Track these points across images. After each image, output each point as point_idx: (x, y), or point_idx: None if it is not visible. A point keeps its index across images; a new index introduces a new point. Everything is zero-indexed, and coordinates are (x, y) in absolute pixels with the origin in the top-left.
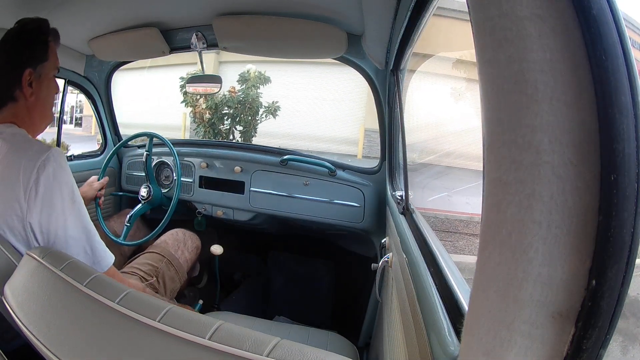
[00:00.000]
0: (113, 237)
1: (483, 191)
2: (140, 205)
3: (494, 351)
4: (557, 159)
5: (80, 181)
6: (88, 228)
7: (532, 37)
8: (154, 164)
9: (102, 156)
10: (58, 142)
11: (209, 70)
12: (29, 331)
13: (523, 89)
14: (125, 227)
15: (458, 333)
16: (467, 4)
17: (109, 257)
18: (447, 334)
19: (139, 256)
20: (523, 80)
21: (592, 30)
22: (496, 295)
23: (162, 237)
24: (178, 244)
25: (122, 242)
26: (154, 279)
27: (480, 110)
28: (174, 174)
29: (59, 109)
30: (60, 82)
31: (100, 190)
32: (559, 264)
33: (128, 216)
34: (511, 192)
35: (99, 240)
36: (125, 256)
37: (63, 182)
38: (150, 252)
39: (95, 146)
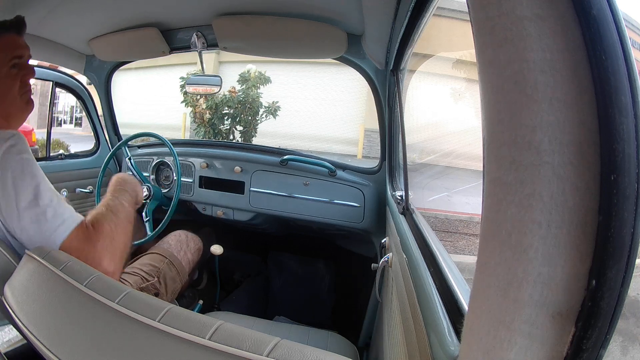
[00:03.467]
0: None
1: (483, 191)
2: (150, 201)
3: (494, 351)
4: (557, 159)
5: (70, 180)
6: (53, 201)
7: (532, 37)
8: (154, 163)
9: (95, 156)
10: (48, 144)
11: (209, 70)
12: (29, 331)
13: (523, 89)
14: (147, 222)
15: (458, 333)
16: (467, 4)
17: (71, 219)
18: (447, 334)
19: (140, 257)
20: (523, 80)
21: (592, 30)
22: (496, 295)
23: (165, 239)
24: (180, 245)
25: None
26: (156, 279)
27: (481, 110)
28: (174, 174)
29: (59, 110)
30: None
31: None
32: (559, 264)
33: (144, 212)
34: (511, 192)
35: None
36: (128, 257)
37: (29, 165)
38: (151, 253)
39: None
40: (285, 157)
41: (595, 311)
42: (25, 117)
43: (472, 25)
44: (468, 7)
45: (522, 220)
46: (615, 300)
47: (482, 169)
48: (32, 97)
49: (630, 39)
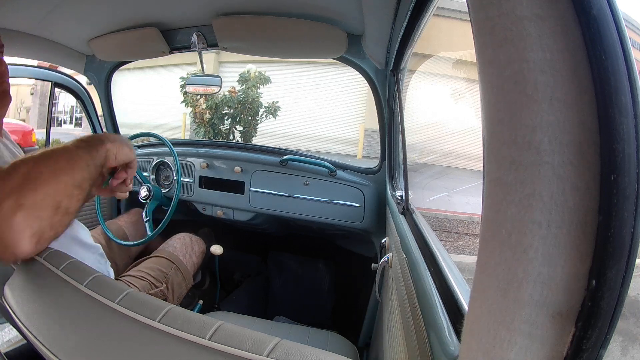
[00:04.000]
0: (114, 238)
1: (483, 191)
2: (149, 202)
3: (494, 351)
4: (557, 159)
5: None
6: None
7: (532, 37)
8: (154, 163)
9: None
10: (47, 144)
11: (209, 70)
12: (29, 331)
13: (523, 89)
14: (147, 222)
15: (458, 333)
16: (467, 4)
17: None
18: (447, 334)
19: (146, 259)
20: (523, 80)
21: (592, 30)
22: (496, 295)
23: (170, 242)
24: (186, 249)
25: (119, 241)
26: (164, 285)
27: (480, 110)
28: (174, 174)
29: (59, 110)
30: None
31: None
32: (559, 264)
33: (144, 213)
34: (511, 192)
35: None
36: (132, 258)
37: None
38: (158, 256)
39: None
40: (285, 157)
41: (595, 311)
42: (1, 112)
43: (472, 25)
44: (468, 7)
45: (522, 220)
46: (615, 300)
47: (482, 169)
48: (8, 89)
49: (630, 39)
